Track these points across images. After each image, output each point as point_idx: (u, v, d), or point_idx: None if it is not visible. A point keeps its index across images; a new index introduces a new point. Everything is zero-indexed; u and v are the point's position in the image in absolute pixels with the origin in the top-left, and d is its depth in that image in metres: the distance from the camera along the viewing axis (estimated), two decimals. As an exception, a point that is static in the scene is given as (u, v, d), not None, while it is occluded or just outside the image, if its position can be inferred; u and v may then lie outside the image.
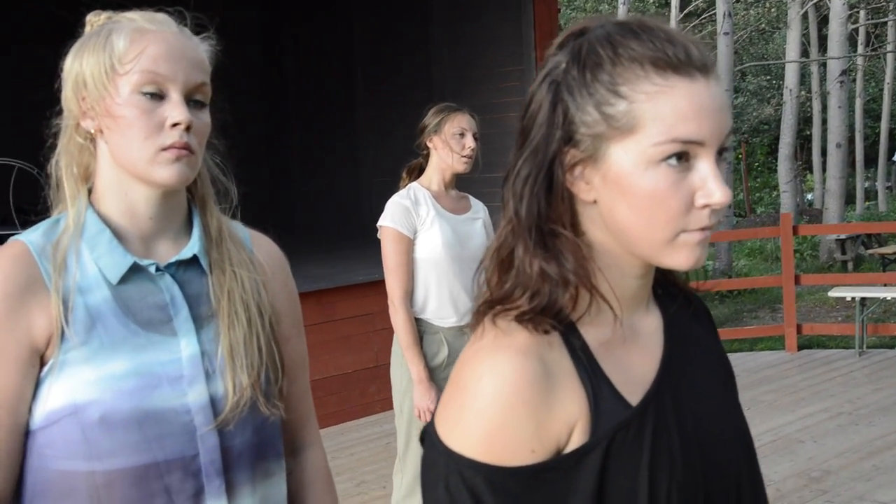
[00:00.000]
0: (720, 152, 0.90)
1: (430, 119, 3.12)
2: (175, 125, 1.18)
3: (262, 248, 1.37)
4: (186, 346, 1.22)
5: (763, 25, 21.39)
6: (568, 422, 0.90)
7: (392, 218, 3.04)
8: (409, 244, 3.04)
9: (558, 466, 0.89)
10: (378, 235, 3.10)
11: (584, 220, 0.94)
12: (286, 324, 1.36)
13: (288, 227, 8.92)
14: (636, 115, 0.87)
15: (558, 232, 0.92)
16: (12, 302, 1.15)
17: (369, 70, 8.25)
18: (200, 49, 1.25)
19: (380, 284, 3.26)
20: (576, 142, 0.90)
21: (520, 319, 0.91)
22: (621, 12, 16.50)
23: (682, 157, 0.88)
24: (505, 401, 0.87)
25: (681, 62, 0.87)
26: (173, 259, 1.25)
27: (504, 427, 0.87)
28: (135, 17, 1.23)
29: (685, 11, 18.37)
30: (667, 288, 1.06)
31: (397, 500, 3.09)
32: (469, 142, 3.07)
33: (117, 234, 1.23)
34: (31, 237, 1.22)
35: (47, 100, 1.30)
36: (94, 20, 1.25)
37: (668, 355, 0.99)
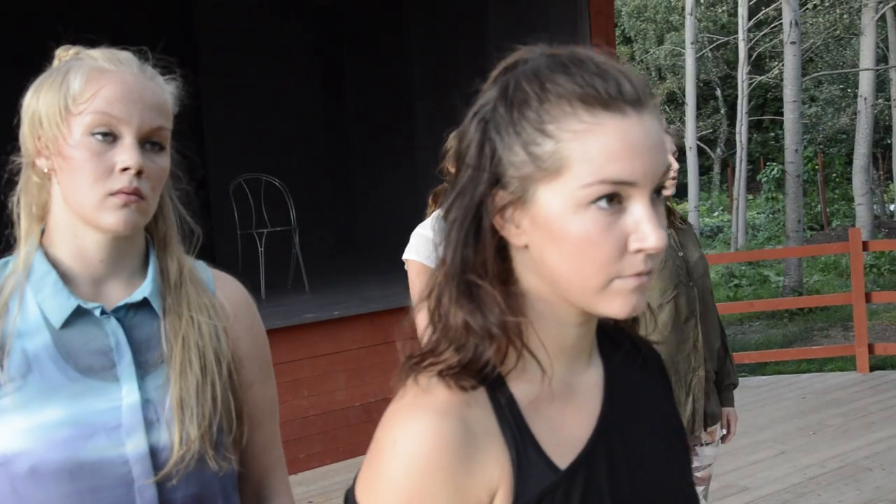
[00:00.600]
0: (658, 192, 0.85)
1: (450, 144, 3.07)
2: (125, 170, 1.14)
3: (225, 290, 1.32)
4: (128, 393, 1.17)
5: (838, 32, 20.83)
6: (489, 487, 0.85)
7: (416, 251, 2.99)
8: (434, 275, 2.99)
9: None
10: (405, 268, 3.07)
11: (518, 266, 0.89)
12: (249, 369, 1.31)
13: (350, 247, 8.98)
14: (563, 156, 0.82)
15: (486, 281, 0.87)
16: None
17: (427, 89, 8.26)
18: (162, 91, 1.22)
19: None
20: (504, 183, 0.85)
21: (442, 375, 0.86)
22: (688, 24, 16.25)
23: (614, 199, 0.82)
24: (420, 466, 0.83)
25: (611, 98, 0.82)
26: (122, 302, 1.20)
27: (418, 495, 0.83)
28: (97, 55, 1.20)
29: (754, 20, 18.00)
30: (613, 334, 1.01)
31: None
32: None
33: (66, 276, 1.19)
34: None
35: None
36: (62, 55, 1.23)
37: (606, 413, 0.93)
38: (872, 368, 6.97)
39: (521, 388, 0.89)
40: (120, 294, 1.22)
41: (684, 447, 1.03)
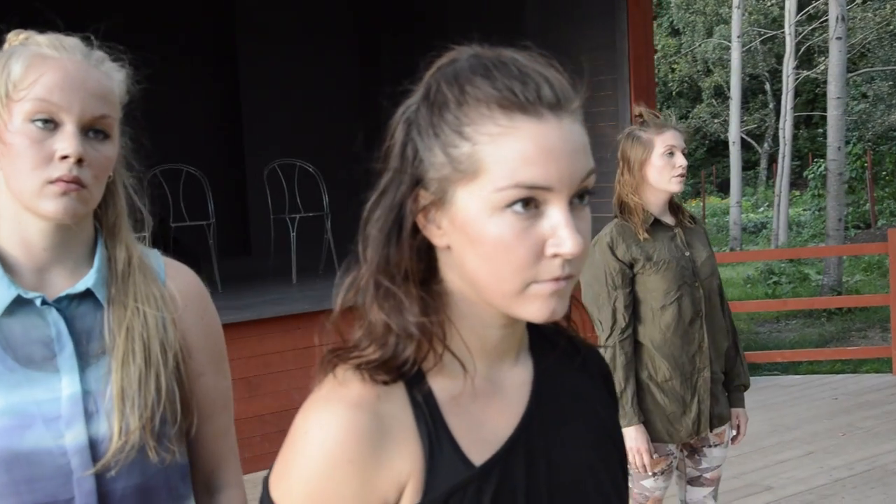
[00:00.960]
0: (581, 196, 0.85)
1: None
2: (64, 157, 1.13)
3: (177, 280, 1.30)
4: (68, 384, 1.16)
5: (892, 28, 20.37)
6: (397, 481, 0.85)
7: None
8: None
9: None
10: None
11: (443, 266, 0.90)
12: (199, 360, 1.30)
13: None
14: (479, 158, 0.82)
15: (406, 281, 0.88)
16: None
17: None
18: (108, 79, 1.19)
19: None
20: (425, 184, 0.85)
21: (360, 369, 0.87)
22: (735, 17, 16.02)
23: (530, 204, 0.82)
24: (329, 458, 0.84)
25: (529, 102, 0.81)
26: (64, 293, 1.19)
27: (326, 485, 0.84)
28: (42, 41, 1.17)
29: (804, 13, 17.68)
30: (550, 335, 1.01)
31: None
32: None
33: (8, 265, 1.18)
34: None
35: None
36: (14, 39, 1.20)
37: (530, 413, 0.93)
38: (909, 371, 6.85)
39: (442, 385, 0.90)
40: (64, 283, 1.20)
41: (617, 453, 1.02)
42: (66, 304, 1.19)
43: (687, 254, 2.77)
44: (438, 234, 0.87)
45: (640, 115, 2.81)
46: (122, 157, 1.26)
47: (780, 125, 16.87)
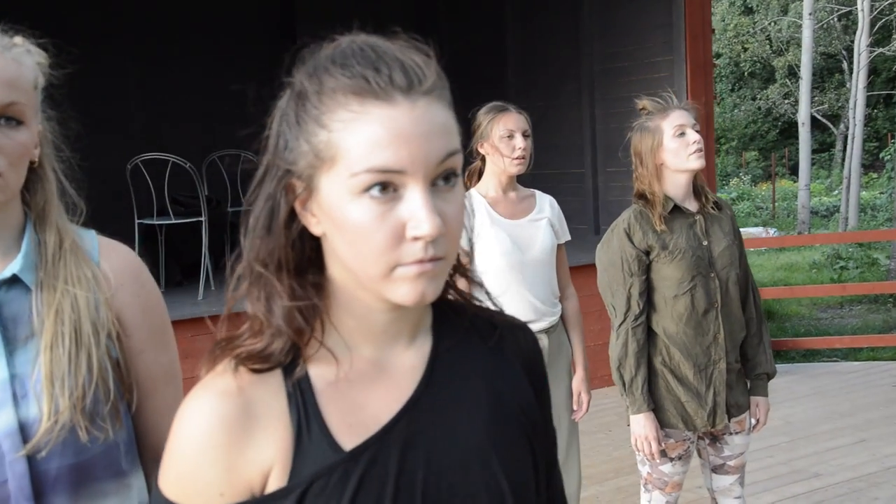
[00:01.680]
0: (447, 178, 0.86)
1: (479, 123, 3.03)
2: None
3: (111, 259, 1.30)
4: None
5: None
6: (262, 467, 0.87)
7: None
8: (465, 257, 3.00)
9: None
10: None
11: (326, 255, 0.91)
12: (138, 337, 1.29)
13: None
14: (335, 145, 0.84)
15: (279, 270, 0.89)
16: None
17: (520, 61, 8.24)
18: (16, 65, 1.19)
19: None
20: (298, 173, 0.87)
21: (238, 359, 0.89)
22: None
23: (388, 188, 0.83)
24: (195, 444, 0.87)
25: (380, 87, 0.83)
26: None
27: (193, 470, 0.87)
28: None
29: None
30: (472, 319, 1.01)
31: None
32: (518, 142, 2.96)
33: None
34: None
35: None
36: None
37: (418, 396, 0.93)
38: (975, 360, 6.66)
39: (321, 371, 0.91)
40: None
41: (524, 432, 1.00)
42: None
43: (705, 243, 2.73)
44: (314, 222, 0.89)
45: (644, 108, 2.78)
46: (49, 142, 1.27)
47: (851, 104, 16.36)
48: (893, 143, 18.60)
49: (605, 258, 2.78)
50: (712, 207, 2.81)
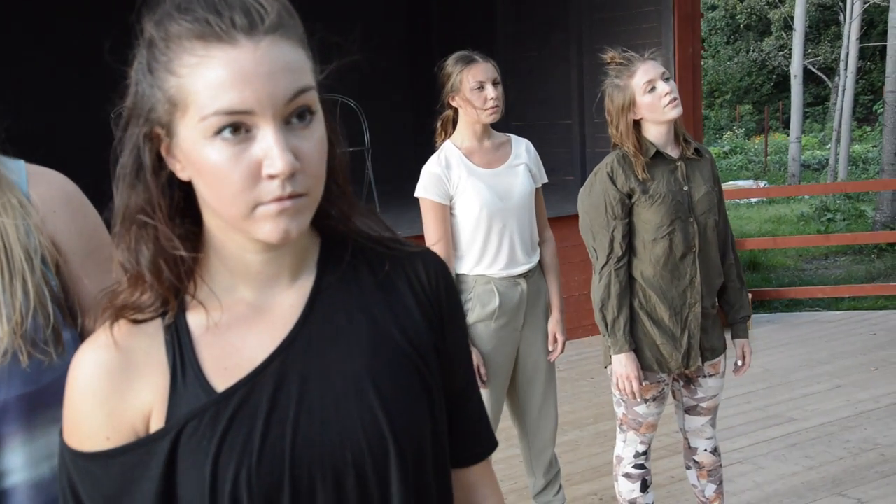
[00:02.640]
0: (301, 115, 0.87)
1: (448, 76, 3.04)
2: None
3: (40, 186, 1.30)
4: None
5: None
6: (141, 411, 0.92)
7: (426, 188, 3.02)
8: (445, 211, 3.01)
9: (128, 452, 0.92)
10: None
11: (199, 200, 0.92)
12: (76, 262, 1.30)
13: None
14: (185, 90, 0.85)
15: (142, 221, 0.90)
16: None
17: (509, 12, 8.20)
18: None
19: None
20: (157, 121, 0.88)
21: (119, 311, 0.93)
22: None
23: (239, 129, 0.84)
24: (79, 393, 0.93)
25: (222, 30, 0.84)
26: None
27: (80, 417, 0.93)
28: None
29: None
30: (363, 252, 1.02)
31: None
32: (489, 93, 2.98)
33: None
34: None
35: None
36: None
37: (294, 335, 0.95)
38: (954, 309, 6.76)
39: (197, 317, 0.94)
40: None
41: (413, 371, 0.99)
42: None
43: (685, 188, 2.79)
44: (179, 167, 0.90)
45: (613, 59, 2.80)
46: None
47: (843, 56, 16.29)
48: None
49: (587, 201, 2.83)
50: (693, 153, 2.85)
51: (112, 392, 0.92)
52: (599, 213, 2.78)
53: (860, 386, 5.12)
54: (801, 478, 3.93)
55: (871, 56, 25.39)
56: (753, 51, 26.42)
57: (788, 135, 21.28)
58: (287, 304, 0.97)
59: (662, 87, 2.71)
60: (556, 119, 7.57)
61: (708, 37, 28.30)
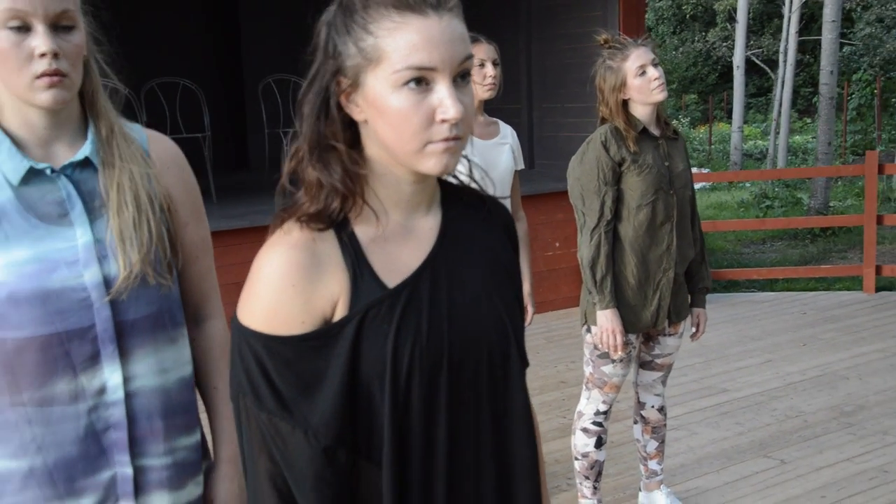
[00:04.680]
0: (463, 76, 1.08)
1: None
2: (43, 55, 1.32)
3: (157, 146, 1.53)
4: (81, 235, 1.40)
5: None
6: (331, 299, 1.11)
7: None
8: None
9: (321, 335, 1.10)
10: None
11: (364, 138, 1.13)
12: (183, 212, 1.53)
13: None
14: (380, 48, 1.05)
15: (332, 146, 1.11)
16: None
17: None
18: None
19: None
20: (344, 71, 1.09)
21: (299, 221, 1.12)
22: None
23: (421, 82, 1.05)
24: (278, 284, 1.09)
25: (416, 3, 1.05)
26: (67, 161, 1.41)
27: (278, 306, 1.09)
28: None
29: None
30: (464, 196, 1.26)
31: None
32: (489, 70, 3.21)
33: (18, 143, 1.39)
34: None
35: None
36: None
37: (436, 251, 1.18)
38: (879, 289, 7.10)
39: (363, 230, 1.14)
40: (66, 154, 1.43)
41: (510, 283, 1.26)
42: (70, 171, 1.42)
43: (666, 164, 3.04)
44: (357, 111, 1.11)
45: (606, 41, 3.04)
46: (89, 35, 1.43)
47: (782, 49, 16.76)
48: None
49: (578, 169, 3.05)
50: (671, 134, 3.12)
51: (307, 284, 1.10)
52: (592, 179, 3.00)
53: (789, 360, 5.41)
54: (730, 442, 4.20)
55: (812, 49, 26.04)
56: (699, 41, 26.93)
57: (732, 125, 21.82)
58: (427, 227, 1.20)
59: (652, 72, 2.95)
60: (504, 104, 7.75)
61: (655, 26, 28.77)
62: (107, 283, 1.40)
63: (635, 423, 3.38)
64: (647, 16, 28.59)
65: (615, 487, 3.74)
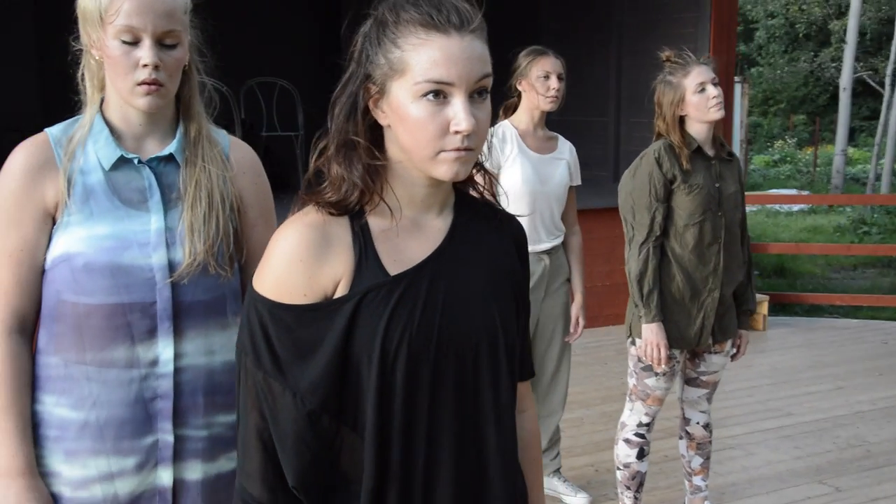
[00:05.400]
0: (480, 92, 1.18)
1: (520, 63, 3.42)
2: (145, 65, 1.52)
3: (237, 152, 1.70)
4: (155, 221, 1.58)
5: None
6: (334, 278, 1.21)
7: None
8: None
9: (321, 308, 1.20)
10: None
11: (387, 141, 1.24)
12: (252, 214, 1.69)
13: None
14: (405, 61, 1.16)
15: (356, 145, 1.22)
16: (31, 175, 1.56)
17: (553, 9, 8.43)
18: (172, 2, 1.55)
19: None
20: (373, 79, 1.20)
21: (318, 205, 1.24)
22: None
23: (439, 95, 1.15)
24: (288, 257, 1.21)
25: (440, 23, 1.15)
26: (154, 155, 1.61)
27: (285, 277, 1.21)
28: None
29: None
30: (480, 207, 1.36)
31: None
32: (553, 83, 3.35)
33: (116, 133, 1.60)
34: (53, 130, 1.61)
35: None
36: None
37: (442, 249, 1.27)
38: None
39: (376, 221, 1.24)
40: (154, 148, 1.62)
41: (511, 288, 1.33)
42: (155, 164, 1.61)
43: (717, 185, 3.09)
44: (382, 116, 1.21)
45: (669, 59, 3.10)
46: (195, 48, 1.63)
47: (889, 71, 16.17)
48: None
49: (630, 183, 3.12)
50: (726, 156, 3.16)
51: (314, 260, 1.21)
52: (643, 194, 3.06)
53: (861, 389, 5.31)
54: (786, 465, 4.17)
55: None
56: (806, 61, 26.17)
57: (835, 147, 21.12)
58: (437, 227, 1.29)
59: (711, 90, 3.01)
60: (592, 116, 7.81)
61: (766, 44, 28.09)
62: (171, 266, 1.57)
63: (680, 438, 3.41)
64: (758, 33, 27.66)
65: (662, 500, 3.78)
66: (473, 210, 1.34)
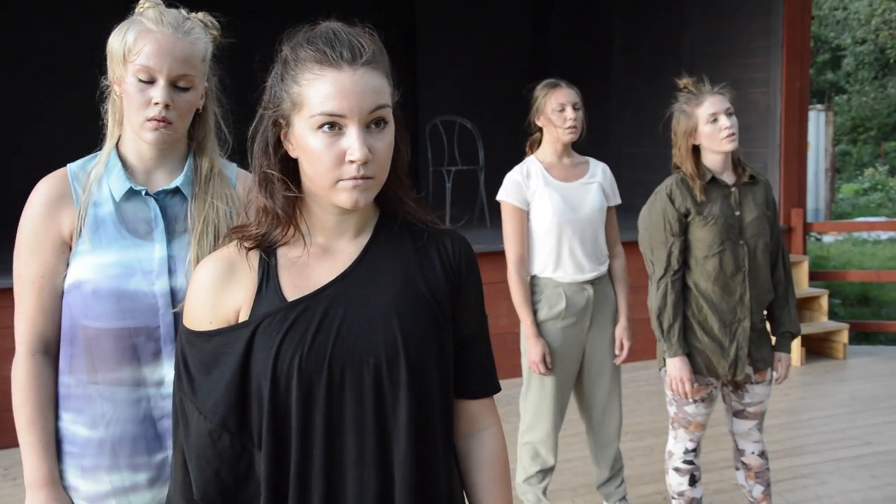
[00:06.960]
0: (377, 123, 1.23)
1: (536, 98, 3.44)
2: (156, 104, 1.62)
3: (245, 185, 1.75)
4: (159, 250, 1.67)
5: None
6: (235, 306, 1.30)
7: (507, 193, 3.40)
8: (523, 215, 3.38)
9: (221, 333, 1.29)
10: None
11: (301, 173, 1.30)
12: None
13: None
14: (303, 95, 1.23)
15: (273, 179, 1.29)
16: (50, 207, 1.67)
17: (625, 43, 8.49)
18: (192, 45, 1.64)
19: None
20: (282, 115, 1.26)
21: (239, 240, 1.32)
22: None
23: (334, 126, 1.21)
24: (198, 289, 1.32)
25: (333, 59, 1.21)
26: (161, 189, 1.70)
27: (196, 306, 1.31)
28: (151, 15, 1.64)
29: None
30: (409, 228, 1.37)
31: (521, 431, 3.56)
32: (569, 114, 3.34)
33: (128, 167, 1.70)
34: (72, 165, 1.72)
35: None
36: (139, 8, 1.68)
37: (348, 273, 1.31)
38: None
39: (288, 250, 1.31)
40: (163, 182, 1.72)
41: (429, 307, 1.32)
42: (162, 196, 1.71)
43: (737, 213, 3.05)
44: (291, 148, 1.28)
45: (686, 87, 3.11)
46: (213, 93, 1.75)
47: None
48: None
49: (647, 218, 3.13)
50: (748, 179, 3.11)
51: (217, 291, 1.31)
52: (658, 230, 3.07)
53: (944, 420, 5.16)
54: (862, 495, 4.08)
55: None
56: (892, 87, 25.44)
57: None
58: (347, 252, 1.34)
59: (724, 121, 3.00)
60: (663, 148, 7.81)
61: (855, 71, 27.45)
62: (173, 293, 1.66)
63: (737, 469, 3.35)
64: (845, 61, 26.95)
65: (730, 526, 3.76)
66: (394, 232, 1.36)
